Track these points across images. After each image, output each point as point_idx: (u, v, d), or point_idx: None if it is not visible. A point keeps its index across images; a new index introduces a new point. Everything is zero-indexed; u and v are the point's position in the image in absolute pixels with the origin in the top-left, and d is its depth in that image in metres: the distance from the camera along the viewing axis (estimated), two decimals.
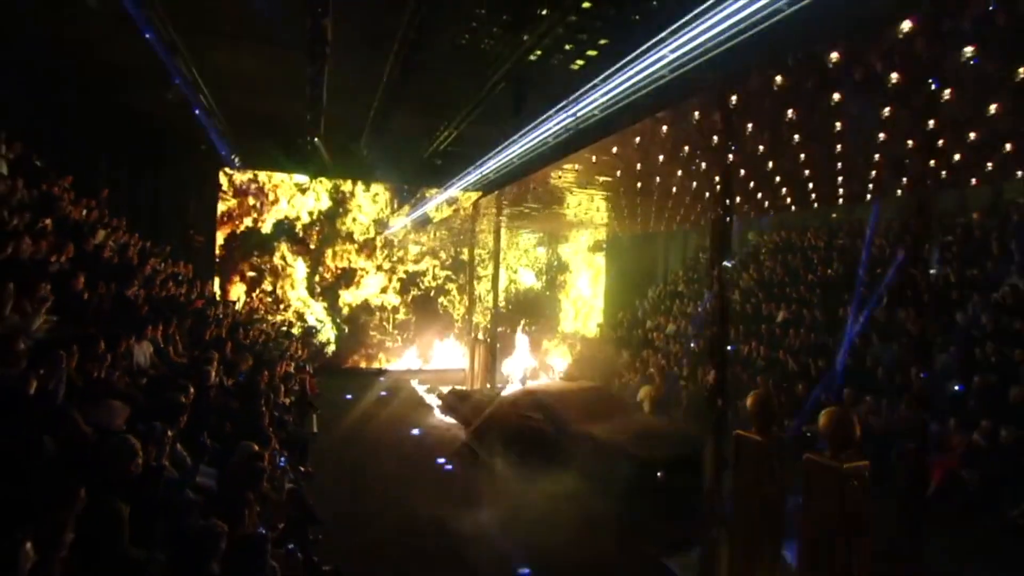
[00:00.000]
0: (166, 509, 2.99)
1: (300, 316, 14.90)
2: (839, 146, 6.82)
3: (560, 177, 9.67)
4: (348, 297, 15.50)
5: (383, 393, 12.58)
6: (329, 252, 15.38)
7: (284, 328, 13.65)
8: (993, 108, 4.95)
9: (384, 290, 15.83)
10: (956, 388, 7.35)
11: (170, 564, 2.70)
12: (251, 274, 14.62)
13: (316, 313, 15.14)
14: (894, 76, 4.56)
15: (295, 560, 3.43)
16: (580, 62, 9.27)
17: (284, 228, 14.97)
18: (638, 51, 5.90)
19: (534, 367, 11.47)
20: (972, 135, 5.82)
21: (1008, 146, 6.15)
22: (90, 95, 11.21)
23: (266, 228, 14.79)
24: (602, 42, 8.79)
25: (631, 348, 14.13)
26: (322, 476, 6.87)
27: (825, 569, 3.79)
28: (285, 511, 4.25)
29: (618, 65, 6.30)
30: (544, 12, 7.19)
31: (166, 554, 2.75)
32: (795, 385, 9.16)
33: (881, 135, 6.09)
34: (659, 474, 6.00)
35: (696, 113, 6.06)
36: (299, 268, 15.11)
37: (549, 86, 8.61)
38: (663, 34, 5.34)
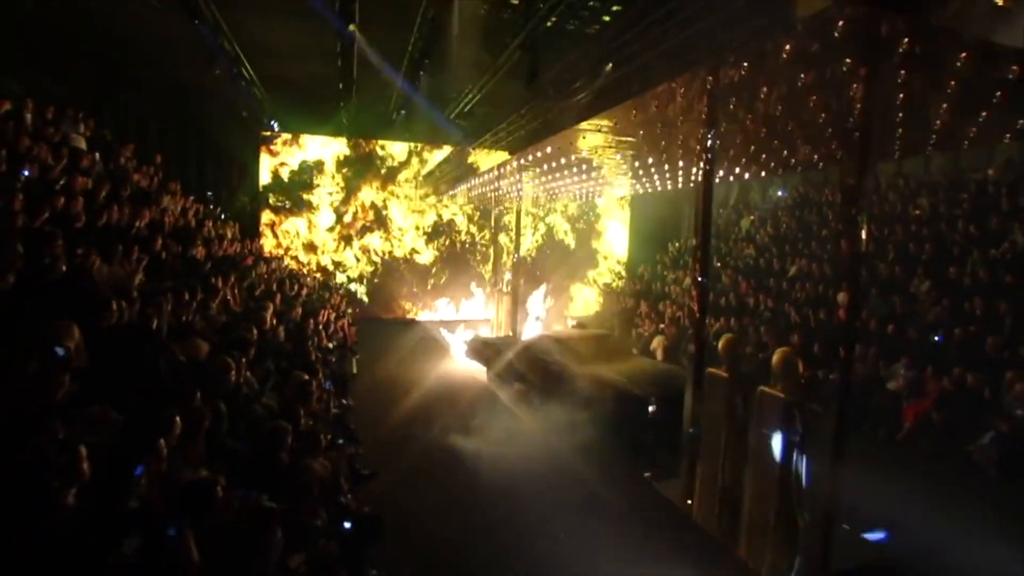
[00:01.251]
0: (246, 415, 4.00)
1: (324, 268, 15.81)
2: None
3: (584, 138, 10.15)
4: (377, 243, 16.45)
5: (414, 340, 13.70)
6: (361, 191, 16.20)
7: (323, 280, 14.79)
8: None
9: (416, 231, 16.72)
10: (936, 339, 7.86)
11: (253, 453, 3.71)
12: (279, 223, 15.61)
13: (347, 260, 16.17)
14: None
15: (342, 459, 4.46)
16: (596, 27, 9.64)
17: (308, 172, 15.75)
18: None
19: (551, 316, 12.30)
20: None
21: None
22: (139, 70, 12.16)
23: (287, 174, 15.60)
24: (615, 8, 9.15)
25: (650, 300, 14.81)
26: (361, 408, 7.98)
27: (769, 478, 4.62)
28: (332, 428, 5.29)
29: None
30: None
31: (249, 446, 3.77)
32: (793, 335, 9.76)
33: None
34: (651, 408, 6.85)
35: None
36: (325, 216, 16.01)
37: (567, 51, 9.05)
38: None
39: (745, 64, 4.53)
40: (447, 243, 17.24)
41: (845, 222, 4.37)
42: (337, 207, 16.12)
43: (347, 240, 16.27)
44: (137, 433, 2.47)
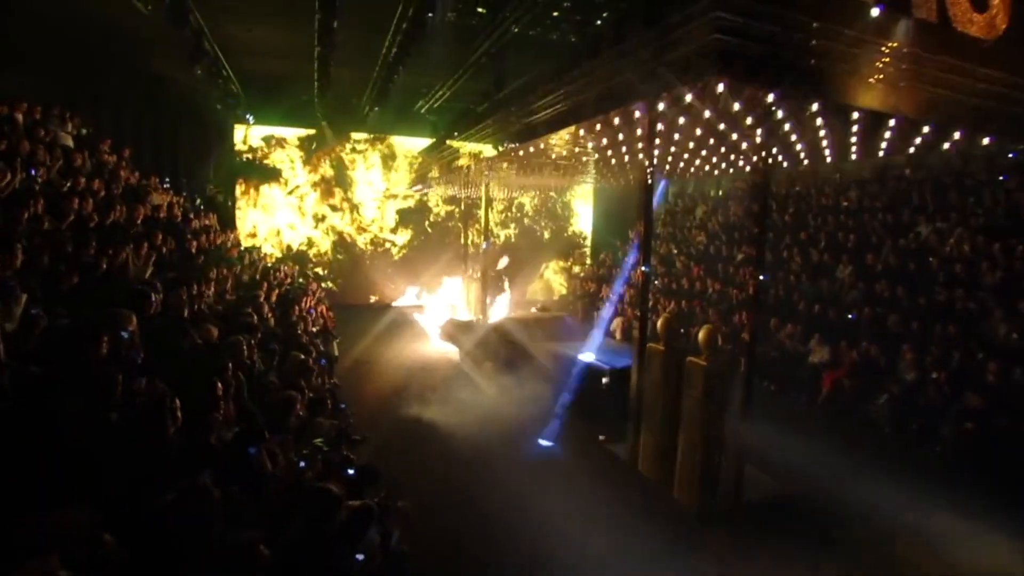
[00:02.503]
0: (259, 387, 4.78)
1: (294, 253, 16.30)
2: None
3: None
4: (338, 222, 16.98)
5: (389, 324, 14.42)
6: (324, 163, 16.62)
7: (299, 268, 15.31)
8: None
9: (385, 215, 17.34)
10: (849, 316, 9.06)
11: (267, 418, 4.49)
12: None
13: (317, 241, 16.72)
14: None
15: (344, 419, 5.29)
16: (556, 34, 10.45)
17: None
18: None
19: (518, 300, 13.20)
20: None
21: None
22: (114, 65, 12.36)
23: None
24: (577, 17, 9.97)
25: (610, 284, 15.85)
26: (344, 387, 8.74)
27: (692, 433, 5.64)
28: (332, 397, 6.09)
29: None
30: None
31: (264, 412, 4.55)
32: (737, 314, 10.90)
33: None
34: (604, 380, 7.84)
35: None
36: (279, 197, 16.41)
37: (531, 61, 9.81)
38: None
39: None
40: (421, 227, 17.90)
41: (754, 218, 5.33)
42: (299, 187, 16.49)
43: (316, 220, 16.75)
44: (197, 393, 3.24)
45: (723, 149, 8.03)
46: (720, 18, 3.05)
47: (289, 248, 16.39)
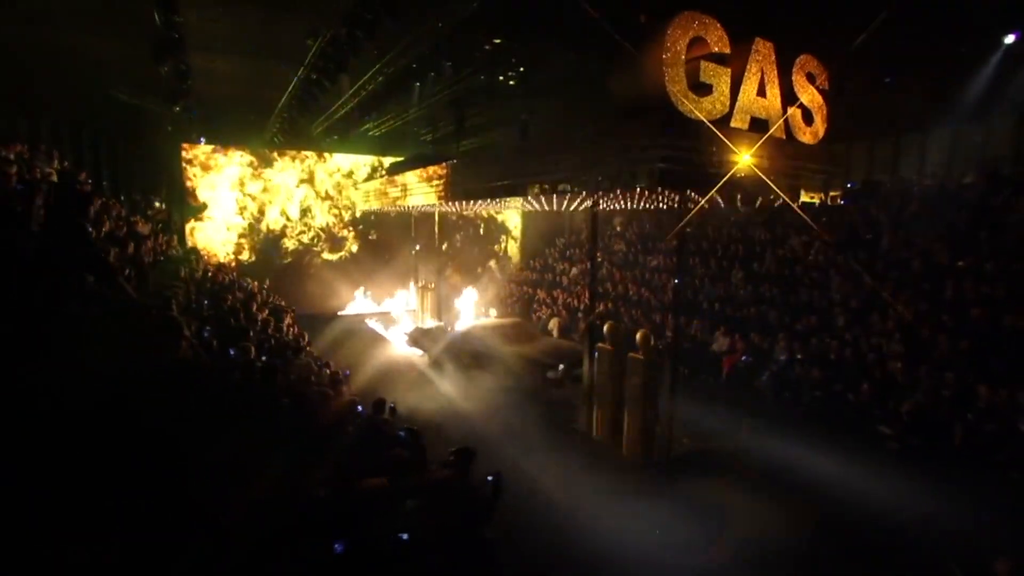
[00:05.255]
0: None
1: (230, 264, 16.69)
2: None
3: None
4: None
5: (345, 332, 15.47)
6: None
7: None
8: None
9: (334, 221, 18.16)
10: (742, 314, 11.61)
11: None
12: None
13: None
14: None
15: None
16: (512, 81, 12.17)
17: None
18: None
19: (475, 308, 14.86)
20: None
21: None
22: (71, 88, 12.54)
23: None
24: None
25: (543, 287, 17.89)
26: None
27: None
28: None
29: None
30: None
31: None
32: (656, 314, 13.24)
33: None
34: (550, 375, 9.78)
35: None
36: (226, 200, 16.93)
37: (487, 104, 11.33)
38: None
39: None
40: (367, 236, 18.94)
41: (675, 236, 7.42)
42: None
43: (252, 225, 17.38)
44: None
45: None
46: (664, 149, 5.00)
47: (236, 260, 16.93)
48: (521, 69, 10.52)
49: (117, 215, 9.57)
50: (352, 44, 7.63)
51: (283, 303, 13.78)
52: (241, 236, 17.26)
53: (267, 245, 17.58)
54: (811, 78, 6.30)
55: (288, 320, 10.73)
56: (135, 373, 3.37)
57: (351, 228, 18.95)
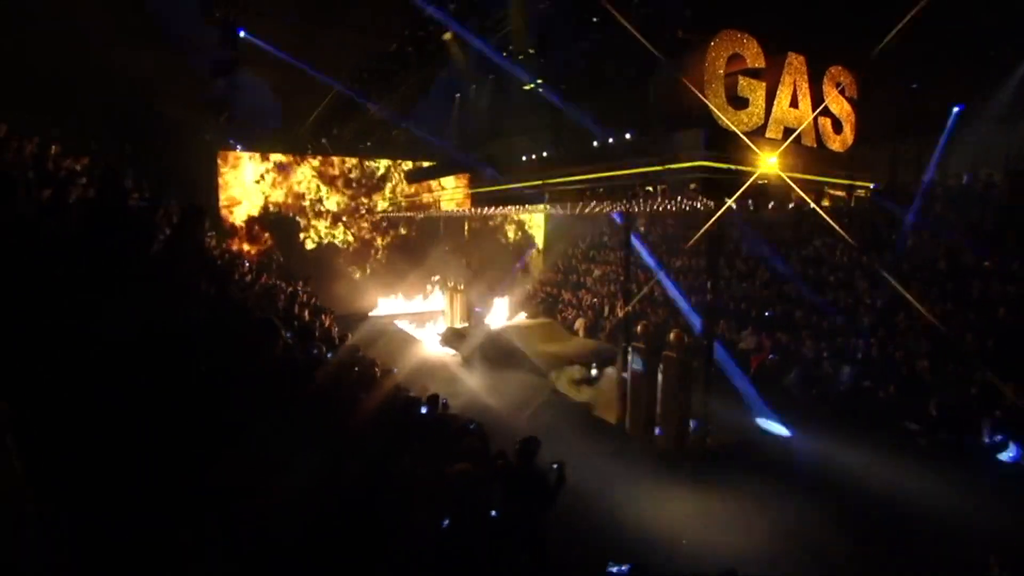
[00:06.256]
0: None
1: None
2: None
3: None
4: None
5: (377, 333, 15.92)
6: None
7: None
8: None
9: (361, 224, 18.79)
10: (767, 314, 11.89)
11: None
12: None
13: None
14: None
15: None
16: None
17: None
18: None
19: (504, 309, 15.28)
20: None
21: None
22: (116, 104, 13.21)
23: None
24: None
25: (568, 288, 18.24)
26: None
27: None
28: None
29: None
30: None
31: None
32: (678, 314, 13.54)
33: None
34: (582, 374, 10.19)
35: None
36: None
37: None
38: None
39: None
40: (395, 236, 19.48)
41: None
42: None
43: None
44: None
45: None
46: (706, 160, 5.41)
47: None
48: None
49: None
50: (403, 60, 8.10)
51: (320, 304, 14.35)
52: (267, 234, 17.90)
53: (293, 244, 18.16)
54: (840, 88, 6.62)
55: (328, 321, 11.23)
56: (237, 372, 3.72)
57: (379, 230, 19.48)
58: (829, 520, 6.24)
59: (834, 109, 6.57)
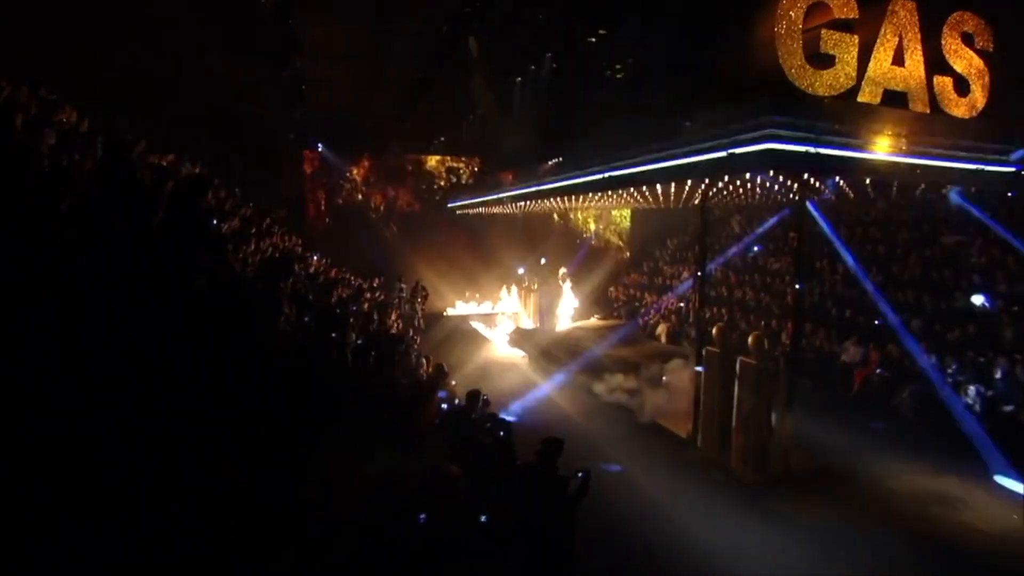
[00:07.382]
0: None
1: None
2: None
3: None
4: None
5: (450, 332, 15.87)
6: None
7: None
8: None
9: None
10: (876, 323, 10.25)
11: None
12: None
13: None
14: None
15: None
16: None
17: None
18: None
19: (577, 310, 14.64)
20: None
21: None
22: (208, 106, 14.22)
23: None
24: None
25: (652, 292, 17.15)
26: None
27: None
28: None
29: None
30: None
31: None
32: (774, 319, 12.11)
33: None
34: (664, 377, 9.29)
35: None
36: None
37: None
38: None
39: None
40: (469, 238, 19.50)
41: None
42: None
43: None
44: None
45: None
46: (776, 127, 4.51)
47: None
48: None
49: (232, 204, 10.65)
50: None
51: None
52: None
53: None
54: (968, 39, 5.35)
55: (394, 316, 11.27)
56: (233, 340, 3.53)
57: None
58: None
59: (958, 66, 5.32)
